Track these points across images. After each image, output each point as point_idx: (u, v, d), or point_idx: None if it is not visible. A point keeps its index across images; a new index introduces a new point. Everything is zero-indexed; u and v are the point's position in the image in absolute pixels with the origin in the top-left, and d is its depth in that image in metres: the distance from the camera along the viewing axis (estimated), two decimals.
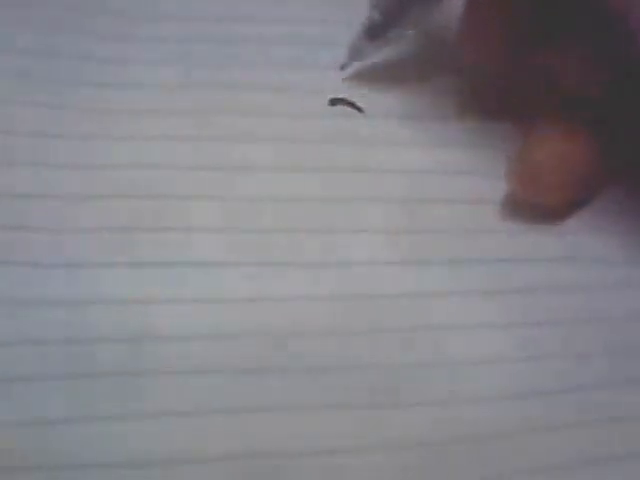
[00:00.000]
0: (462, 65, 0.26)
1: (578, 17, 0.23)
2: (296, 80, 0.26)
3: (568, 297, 0.23)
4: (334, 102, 0.26)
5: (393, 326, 0.22)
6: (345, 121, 0.26)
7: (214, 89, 0.26)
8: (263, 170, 0.24)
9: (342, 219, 0.24)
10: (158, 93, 0.25)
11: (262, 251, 0.23)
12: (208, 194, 0.24)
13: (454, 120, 0.26)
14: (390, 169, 0.25)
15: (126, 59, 0.26)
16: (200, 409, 0.20)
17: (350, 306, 0.22)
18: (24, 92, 0.25)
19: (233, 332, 0.21)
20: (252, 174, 0.24)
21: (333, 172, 0.25)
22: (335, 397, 0.21)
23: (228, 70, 0.26)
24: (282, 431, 0.20)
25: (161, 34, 0.27)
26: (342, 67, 0.26)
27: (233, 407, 0.20)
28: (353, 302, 0.22)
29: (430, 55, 0.27)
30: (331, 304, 0.22)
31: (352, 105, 0.26)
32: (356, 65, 0.26)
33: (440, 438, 0.21)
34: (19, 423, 0.19)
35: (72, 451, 0.19)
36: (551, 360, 0.22)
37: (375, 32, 0.26)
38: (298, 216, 0.24)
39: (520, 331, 0.23)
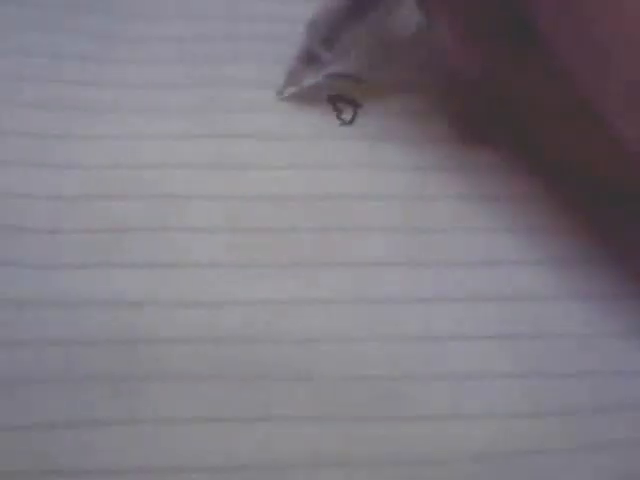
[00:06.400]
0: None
1: None
2: None
3: (572, 307, 0.23)
4: (332, 99, 0.26)
5: (392, 332, 0.22)
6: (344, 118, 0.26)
7: (213, 88, 0.26)
8: (262, 169, 0.24)
9: (344, 218, 0.24)
10: (157, 92, 0.25)
11: (261, 251, 0.23)
12: (207, 194, 0.24)
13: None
14: (390, 166, 0.25)
15: (125, 58, 0.26)
16: (200, 416, 0.20)
17: (350, 309, 0.22)
18: (23, 92, 0.25)
19: (232, 335, 0.21)
20: (251, 173, 0.24)
21: (333, 170, 0.25)
22: (333, 407, 0.21)
23: (227, 69, 0.26)
24: (282, 440, 0.20)
25: (161, 33, 0.27)
26: (278, 93, 0.26)
27: (234, 414, 0.20)
28: (353, 305, 0.22)
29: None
30: (331, 307, 0.22)
31: (350, 102, 0.26)
32: (293, 89, 0.26)
33: (439, 454, 0.20)
34: (18, 426, 0.20)
35: (72, 456, 0.19)
36: (554, 375, 0.22)
37: (311, 56, 0.25)
38: (298, 215, 0.24)
39: (523, 343, 0.22)
